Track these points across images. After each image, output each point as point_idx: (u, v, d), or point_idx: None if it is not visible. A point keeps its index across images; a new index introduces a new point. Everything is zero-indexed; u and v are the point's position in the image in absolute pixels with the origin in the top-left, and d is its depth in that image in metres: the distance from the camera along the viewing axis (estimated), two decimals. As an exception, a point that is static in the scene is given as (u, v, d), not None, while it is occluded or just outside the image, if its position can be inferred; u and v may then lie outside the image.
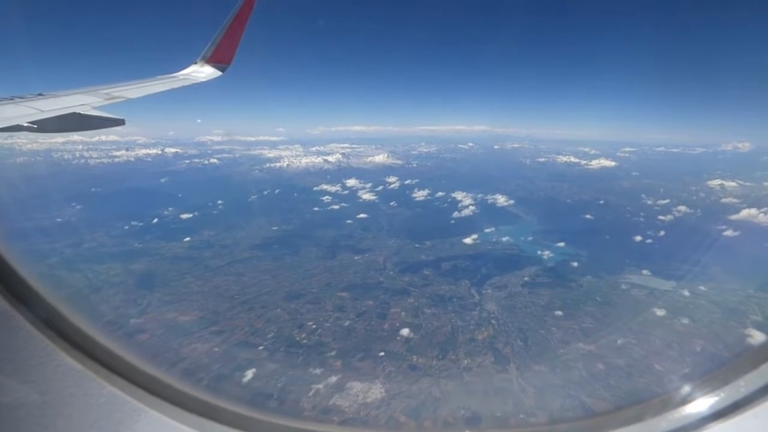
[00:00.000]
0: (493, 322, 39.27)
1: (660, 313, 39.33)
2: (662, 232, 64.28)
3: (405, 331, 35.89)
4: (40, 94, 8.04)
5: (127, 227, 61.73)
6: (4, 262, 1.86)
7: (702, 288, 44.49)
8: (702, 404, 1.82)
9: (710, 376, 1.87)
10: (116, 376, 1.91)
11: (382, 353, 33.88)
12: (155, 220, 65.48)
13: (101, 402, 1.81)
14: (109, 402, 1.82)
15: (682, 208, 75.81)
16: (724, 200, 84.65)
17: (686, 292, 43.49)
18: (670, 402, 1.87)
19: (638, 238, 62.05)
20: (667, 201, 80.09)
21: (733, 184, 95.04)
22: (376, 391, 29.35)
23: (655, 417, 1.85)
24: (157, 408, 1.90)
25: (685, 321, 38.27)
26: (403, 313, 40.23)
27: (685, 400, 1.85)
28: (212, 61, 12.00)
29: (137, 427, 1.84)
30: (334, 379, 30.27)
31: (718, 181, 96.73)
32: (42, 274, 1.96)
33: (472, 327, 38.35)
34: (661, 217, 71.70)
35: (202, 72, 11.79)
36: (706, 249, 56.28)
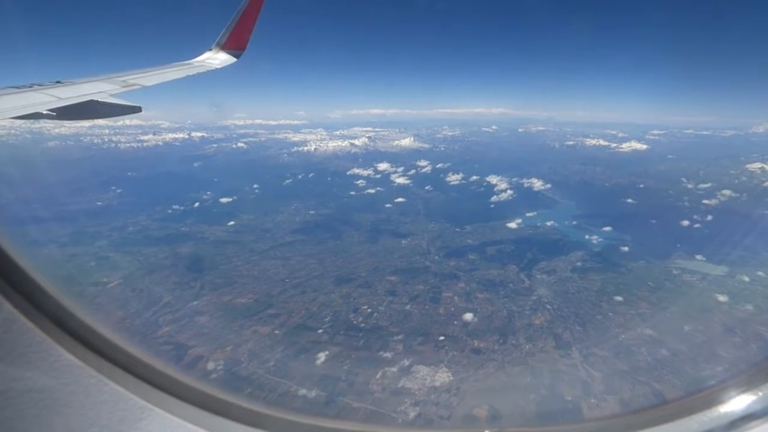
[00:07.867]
0: (548, 306, 38.92)
1: (722, 298, 38.44)
2: (709, 217, 62.66)
3: (468, 316, 35.71)
4: (57, 82, 8.11)
5: (169, 211, 62.47)
6: None
7: (760, 273, 43.44)
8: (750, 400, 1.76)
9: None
10: (119, 371, 1.83)
11: (441, 337, 33.83)
12: (196, 204, 66.35)
13: (103, 399, 1.72)
14: (111, 399, 1.74)
15: (727, 192, 73.55)
16: (767, 184, 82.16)
17: (746, 278, 42.43)
18: (721, 396, 1.81)
19: (685, 222, 60.70)
20: (709, 185, 77.75)
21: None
22: (443, 375, 29.37)
23: (708, 410, 1.78)
24: (162, 405, 1.83)
25: (749, 307, 37.43)
26: (456, 298, 40.07)
27: (737, 395, 1.80)
28: (227, 47, 12.01)
29: (141, 426, 1.76)
30: (399, 362, 30.38)
31: (758, 165, 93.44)
32: (36, 262, 1.80)
33: (528, 312, 38.07)
34: (705, 202, 69.87)
35: (217, 59, 11.85)
36: (756, 233, 54.71)
